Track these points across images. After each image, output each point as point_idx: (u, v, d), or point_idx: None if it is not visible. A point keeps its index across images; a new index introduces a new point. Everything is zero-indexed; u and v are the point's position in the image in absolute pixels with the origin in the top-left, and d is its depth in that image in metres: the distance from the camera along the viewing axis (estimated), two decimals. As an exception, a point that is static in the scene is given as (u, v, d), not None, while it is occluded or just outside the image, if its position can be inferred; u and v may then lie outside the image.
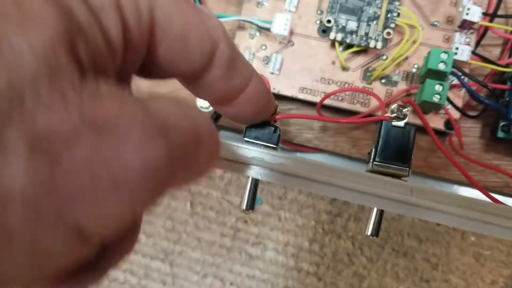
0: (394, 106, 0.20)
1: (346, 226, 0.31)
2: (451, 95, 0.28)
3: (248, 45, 0.30)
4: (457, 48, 0.27)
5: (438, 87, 0.25)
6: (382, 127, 0.20)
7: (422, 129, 0.30)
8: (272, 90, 0.26)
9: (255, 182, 0.21)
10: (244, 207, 0.22)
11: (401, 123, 0.20)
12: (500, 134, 0.28)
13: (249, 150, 0.20)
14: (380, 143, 0.20)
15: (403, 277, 0.30)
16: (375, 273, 0.30)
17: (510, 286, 0.30)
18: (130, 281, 0.31)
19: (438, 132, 0.29)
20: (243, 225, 0.31)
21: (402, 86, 0.29)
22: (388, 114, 0.21)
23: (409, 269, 0.30)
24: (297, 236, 0.31)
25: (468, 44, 0.28)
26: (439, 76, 0.26)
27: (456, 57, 0.27)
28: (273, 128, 0.22)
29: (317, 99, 0.29)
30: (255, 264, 0.31)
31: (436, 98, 0.25)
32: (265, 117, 0.21)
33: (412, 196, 0.19)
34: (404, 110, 0.20)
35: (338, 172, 0.19)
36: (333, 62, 0.29)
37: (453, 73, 0.26)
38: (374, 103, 0.28)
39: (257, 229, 0.31)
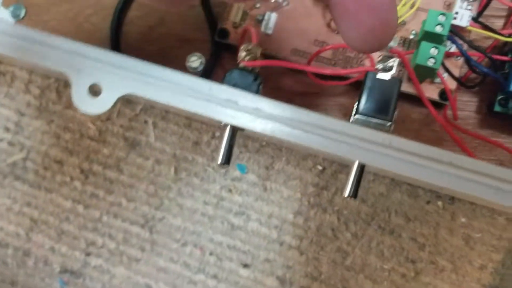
0: (379, 56, 0.19)
1: (332, 200, 0.30)
2: (448, 64, 0.27)
3: (240, 4, 0.29)
4: (456, 13, 0.26)
5: (433, 51, 0.24)
6: (367, 78, 0.19)
7: (415, 100, 0.29)
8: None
9: (233, 132, 0.20)
10: (220, 161, 0.21)
11: (386, 75, 0.19)
12: (497, 108, 0.27)
13: (223, 90, 0.18)
14: (363, 95, 0.19)
15: (388, 256, 0.29)
16: (359, 250, 0.29)
17: (499, 272, 0.29)
18: (109, 245, 0.30)
19: (432, 103, 0.27)
20: (227, 194, 0.30)
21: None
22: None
23: (394, 247, 0.29)
24: (281, 207, 0.30)
25: (470, 11, 0.27)
26: (436, 39, 0.24)
27: (455, 22, 0.26)
28: (254, 75, 0.20)
29: (308, 61, 0.28)
30: (236, 235, 0.30)
31: (430, 62, 0.24)
32: (387, 39, 0.17)
33: (390, 147, 0.17)
34: (390, 61, 0.19)
35: (320, 119, 0.18)
36: (328, 25, 0.28)
37: (450, 38, 0.25)
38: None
39: (241, 198, 0.30)
